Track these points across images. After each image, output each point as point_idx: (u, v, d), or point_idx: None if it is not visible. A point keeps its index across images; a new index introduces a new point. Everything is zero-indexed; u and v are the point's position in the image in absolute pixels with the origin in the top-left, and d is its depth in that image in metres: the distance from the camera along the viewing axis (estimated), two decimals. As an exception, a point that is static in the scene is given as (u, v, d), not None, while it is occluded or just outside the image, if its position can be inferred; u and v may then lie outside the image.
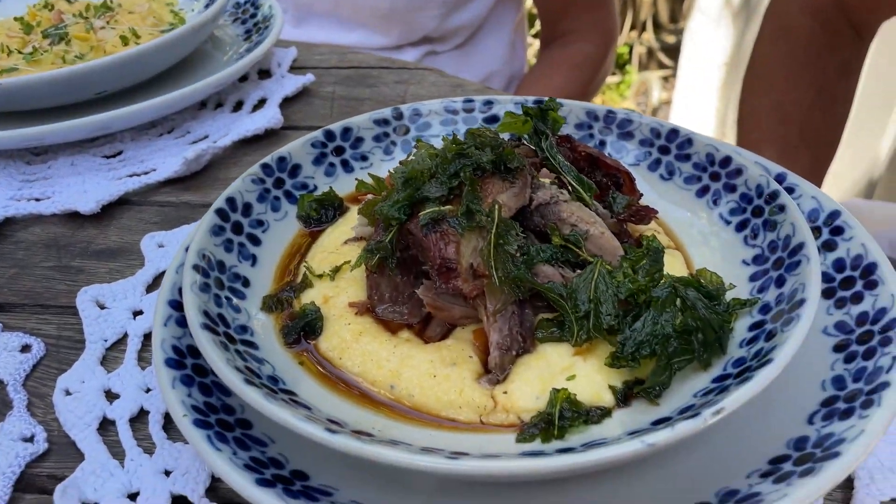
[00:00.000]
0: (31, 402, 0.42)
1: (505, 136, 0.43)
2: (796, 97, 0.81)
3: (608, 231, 0.38)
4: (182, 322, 0.38)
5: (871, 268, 0.38)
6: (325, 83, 0.74)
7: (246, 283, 0.41)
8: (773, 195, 0.41)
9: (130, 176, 0.60)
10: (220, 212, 0.43)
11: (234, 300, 0.39)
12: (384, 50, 1.06)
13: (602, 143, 0.49)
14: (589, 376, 0.35)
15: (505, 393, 0.34)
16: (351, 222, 0.45)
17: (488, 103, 0.52)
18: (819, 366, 0.36)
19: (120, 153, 0.64)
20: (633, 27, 3.44)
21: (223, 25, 0.77)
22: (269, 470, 0.32)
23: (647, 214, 0.42)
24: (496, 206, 0.36)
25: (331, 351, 0.38)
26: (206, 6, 0.75)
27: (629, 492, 0.32)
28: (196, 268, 0.38)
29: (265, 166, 0.47)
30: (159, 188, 0.60)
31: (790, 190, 0.44)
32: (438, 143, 0.51)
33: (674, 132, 0.48)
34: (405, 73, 0.76)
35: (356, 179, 0.48)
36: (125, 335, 0.45)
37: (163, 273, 0.50)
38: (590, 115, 0.50)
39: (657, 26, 3.87)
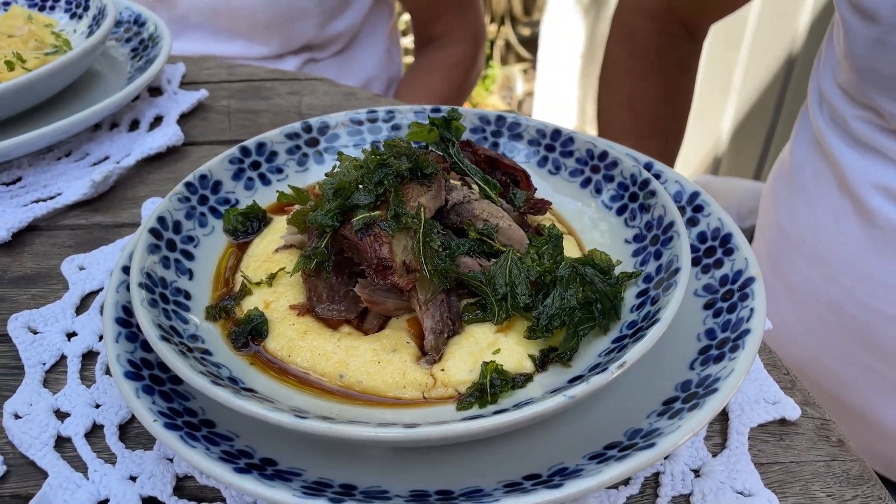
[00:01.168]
0: (-23, 431, 0.42)
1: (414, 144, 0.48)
2: (644, 93, 0.91)
3: (514, 223, 0.44)
4: (131, 337, 0.41)
5: (728, 238, 0.46)
6: (219, 97, 0.76)
7: (187, 296, 0.44)
8: (645, 182, 0.48)
9: (36, 202, 0.60)
10: (153, 231, 0.45)
11: (181, 312, 0.42)
12: (265, 59, 1.07)
13: (496, 145, 0.55)
14: (511, 349, 0.40)
15: (442, 370, 0.39)
16: (277, 232, 0.49)
17: (390, 113, 0.57)
18: (694, 322, 0.43)
19: (20, 179, 0.63)
20: (491, 20, 3.55)
21: (110, 45, 0.77)
22: (242, 460, 0.35)
23: (544, 206, 0.49)
24: (420, 209, 0.41)
25: (279, 350, 0.41)
26: (90, 27, 0.75)
27: (556, 438, 0.38)
28: (142, 285, 0.41)
29: (188, 185, 0.49)
30: (67, 212, 0.60)
31: (657, 176, 0.52)
32: (348, 152, 0.55)
33: (557, 132, 0.54)
34: (297, 84, 0.79)
35: (277, 191, 0.51)
36: (62, 357, 0.47)
37: (89, 295, 0.51)
38: (482, 119, 0.56)
39: (513, 19, 4.02)
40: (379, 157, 0.43)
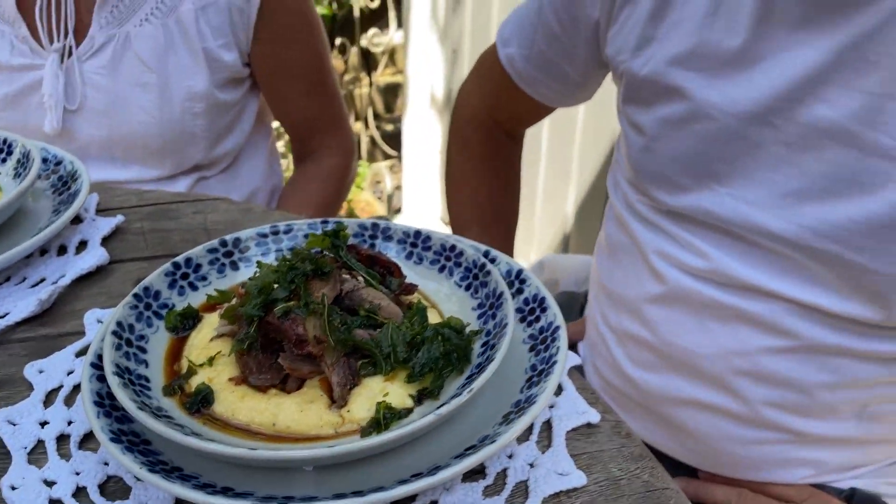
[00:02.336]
0: (-21, 504, 0.53)
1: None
2: (481, 188, 1.14)
3: (391, 303, 0.61)
4: (107, 414, 0.54)
5: (543, 300, 0.65)
6: (134, 220, 0.90)
7: (147, 380, 0.57)
8: (483, 265, 0.67)
9: (-13, 321, 0.71)
10: (115, 333, 0.58)
11: (145, 392, 0.56)
12: (160, 180, 1.21)
13: (373, 245, 0.73)
14: (396, 391, 0.56)
15: (348, 412, 0.55)
16: (208, 325, 0.63)
17: (289, 227, 0.73)
18: (523, 360, 0.61)
19: (-32, 304, 0.74)
20: (356, 118, 3.79)
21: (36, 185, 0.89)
22: (158, 466, 0.49)
23: (412, 289, 0.66)
24: (323, 297, 0.57)
25: (224, 412, 0.55)
26: (16, 170, 0.87)
27: (432, 448, 0.54)
28: (115, 373, 0.54)
29: (136, 295, 0.63)
30: (16, 328, 0.71)
31: (493, 260, 0.71)
32: (257, 260, 0.71)
33: (418, 233, 0.72)
34: (200, 204, 0.94)
35: (206, 294, 0.66)
36: (39, 441, 0.58)
37: (52, 391, 0.63)
38: (361, 227, 0.73)
39: (376, 117, 4.30)
40: (289, 262, 0.59)
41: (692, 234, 0.80)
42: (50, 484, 0.55)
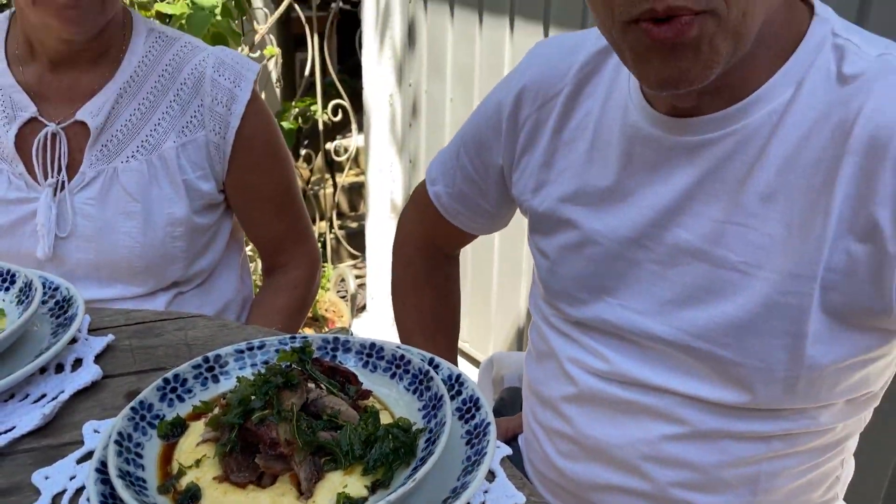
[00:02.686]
0: None
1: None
2: (425, 301, 1.28)
3: (350, 408, 0.74)
4: (111, 512, 0.64)
5: (478, 400, 0.78)
6: (122, 339, 1.01)
7: (143, 481, 0.68)
8: (427, 372, 0.80)
9: (-4, 435, 0.81)
10: (117, 442, 0.70)
11: (143, 491, 0.66)
12: (140, 297, 1.33)
13: (334, 357, 0.86)
14: (354, 483, 0.68)
15: (314, 502, 0.66)
16: (194, 432, 0.74)
17: (262, 344, 0.86)
18: (460, 452, 0.73)
19: (-22, 420, 0.84)
20: (321, 218, 3.93)
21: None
22: None
23: (367, 394, 0.79)
24: (292, 406, 0.70)
25: (210, 506, 0.67)
26: (18, 297, 0.99)
27: (383, 529, 0.66)
28: (118, 476, 0.65)
29: (133, 409, 0.74)
30: (21, 440, 0.82)
31: (437, 366, 0.84)
32: (236, 374, 0.83)
33: (373, 345, 0.86)
34: (181, 321, 1.06)
35: (191, 406, 0.78)
36: (49, 539, 0.68)
37: (57, 495, 0.73)
38: (325, 341, 0.86)
39: (341, 216, 4.46)
40: (263, 377, 0.72)
41: (595, 341, 0.95)
42: (60, 575, 0.64)
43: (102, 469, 0.68)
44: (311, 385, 0.76)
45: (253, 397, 0.70)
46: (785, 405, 0.85)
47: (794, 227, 0.79)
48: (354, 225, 4.34)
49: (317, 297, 3.38)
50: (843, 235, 0.76)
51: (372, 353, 0.86)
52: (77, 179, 1.27)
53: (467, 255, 2.52)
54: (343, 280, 3.53)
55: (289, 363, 0.77)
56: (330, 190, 4.00)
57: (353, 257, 3.86)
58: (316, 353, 0.85)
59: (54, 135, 1.26)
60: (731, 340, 0.83)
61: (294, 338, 0.86)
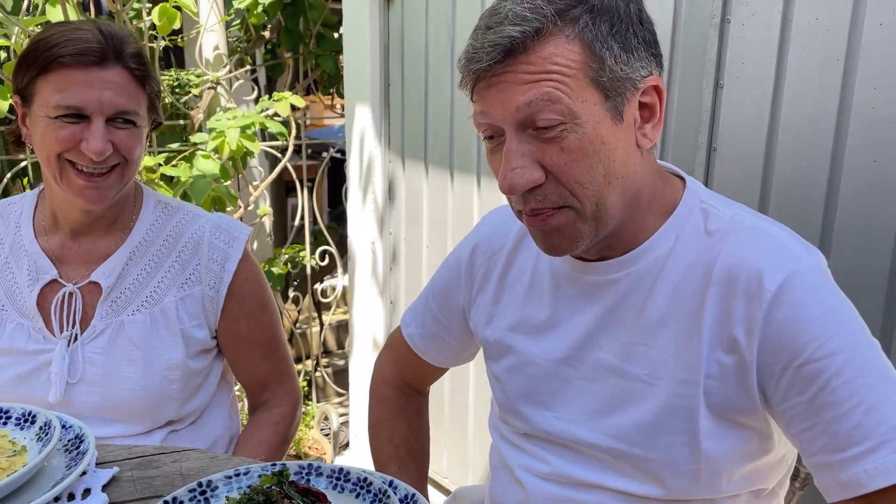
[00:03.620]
0: None
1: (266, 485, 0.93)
2: (398, 433, 1.44)
3: (318, 521, 0.89)
4: None
5: (427, 514, 0.93)
6: (125, 470, 1.16)
7: (146, 586, 0.82)
8: (385, 491, 0.96)
9: (17, 555, 0.95)
10: (124, 554, 0.84)
11: None
12: (139, 435, 1.48)
13: (308, 480, 1.01)
14: (320, 584, 0.83)
15: None
16: (189, 546, 0.89)
17: (248, 470, 1.02)
18: (411, 559, 0.88)
19: (1, 543, 0.98)
20: (307, 357, 4.07)
21: (52, 445, 1.16)
22: None
23: (334, 511, 0.94)
24: (271, 519, 0.85)
25: None
26: (38, 435, 1.14)
27: None
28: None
29: (138, 526, 0.89)
30: (38, 559, 0.95)
31: (395, 487, 0.99)
32: (225, 496, 0.98)
33: (341, 470, 1.01)
34: (176, 454, 1.22)
35: (187, 524, 0.93)
36: None
37: None
38: (301, 468, 1.02)
39: (328, 353, 4.61)
40: (248, 496, 0.88)
41: (540, 448, 1.13)
42: None
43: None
44: (288, 503, 0.92)
45: (239, 513, 0.86)
46: (694, 496, 1.01)
47: (680, 344, 0.98)
48: (341, 362, 4.48)
49: (300, 435, 3.49)
50: (714, 349, 0.96)
51: (340, 476, 1.01)
52: (89, 332, 1.45)
53: (444, 394, 2.68)
54: (327, 418, 3.64)
55: (269, 485, 0.93)
56: (317, 329, 4.18)
57: (339, 395, 3.98)
58: (293, 476, 1.01)
59: (71, 294, 1.46)
60: (643, 439, 1.02)
61: (274, 464, 1.02)
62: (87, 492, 1.10)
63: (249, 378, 1.64)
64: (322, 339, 4.32)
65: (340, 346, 4.90)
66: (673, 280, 0.99)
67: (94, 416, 1.45)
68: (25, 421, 1.18)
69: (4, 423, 1.18)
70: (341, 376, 3.93)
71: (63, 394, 1.42)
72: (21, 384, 1.43)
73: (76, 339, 1.45)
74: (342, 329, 4.75)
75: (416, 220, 2.82)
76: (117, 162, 1.39)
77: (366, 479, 0.99)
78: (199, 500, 0.97)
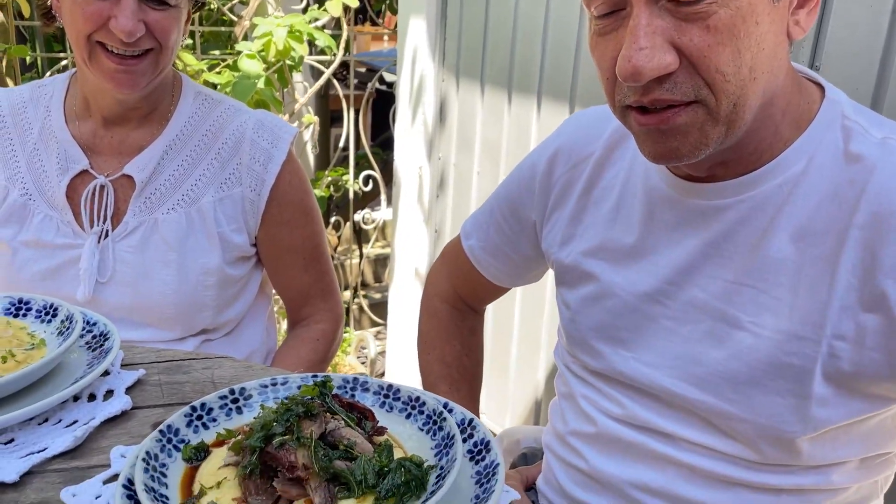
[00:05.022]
0: None
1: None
2: (449, 352, 1.31)
3: (365, 441, 0.77)
4: (134, 525, 0.68)
5: (488, 443, 0.81)
6: (152, 374, 1.06)
7: (167, 498, 0.72)
8: (440, 414, 0.83)
9: (29, 454, 0.86)
10: (144, 460, 0.74)
11: (166, 507, 0.70)
12: (171, 341, 1.38)
13: (353, 395, 0.89)
14: (366, 511, 0.71)
15: (327, 526, 0.69)
16: (217, 457, 0.78)
17: (285, 380, 0.90)
18: (469, 491, 0.76)
19: (13, 440, 0.88)
20: (345, 288, 3.99)
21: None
22: None
23: (382, 430, 0.82)
24: (311, 434, 0.73)
25: (228, 525, 0.70)
26: (59, 330, 1.04)
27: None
28: (145, 491, 0.69)
29: (161, 431, 0.79)
30: (52, 460, 0.86)
31: (451, 410, 0.87)
32: (259, 406, 0.87)
33: (390, 387, 0.89)
34: (208, 361, 1.11)
35: (216, 433, 0.82)
36: (73, 551, 0.71)
37: (83, 511, 0.77)
38: (345, 381, 0.90)
39: (365, 286, 4.52)
40: (286, 405, 0.76)
41: (612, 388, 0.98)
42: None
43: (129, 485, 0.72)
44: (331, 417, 0.80)
45: (275, 423, 0.74)
46: (792, 462, 0.87)
47: (801, 292, 0.83)
48: (378, 296, 4.40)
49: (337, 361, 3.42)
50: (849, 305, 0.80)
51: (389, 393, 0.89)
52: (120, 228, 1.35)
53: (487, 329, 2.56)
54: (364, 347, 3.57)
55: (310, 396, 0.81)
56: (356, 260, 4.09)
57: (375, 325, 3.91)
58: (336, 390, 0.89)
59: (102, 186, 1.35)
60: (737, 396, 0.86)
61: (315, 376, 0.90)
62: (109, 393, 1.00)
63: (290, 291, 1.53)
64: (360, 271, 4.25)
65: (377, 279, 4.82)
66: (801, 213, 0.82)
67: (125, 318, 1.35)
68: (46, 314, 1.08)
69: (24, 315, 1.09)
70: (377, 310, 3.85)
71: (92, 292, 1.32)
72: (48, 280, 1.34)
73: (107, 235, 1.35)
74: (380, 263, 4.66)
75: (467, 144, 2.65)
76: (151, 46, 1.26)
77: (418, 398, 0.87)
78: (230, 409, 0.86)
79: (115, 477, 0.82)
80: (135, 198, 1.35)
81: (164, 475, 0.75)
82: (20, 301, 1.10)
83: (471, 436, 0.83)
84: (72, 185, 1.35)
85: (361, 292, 3.86)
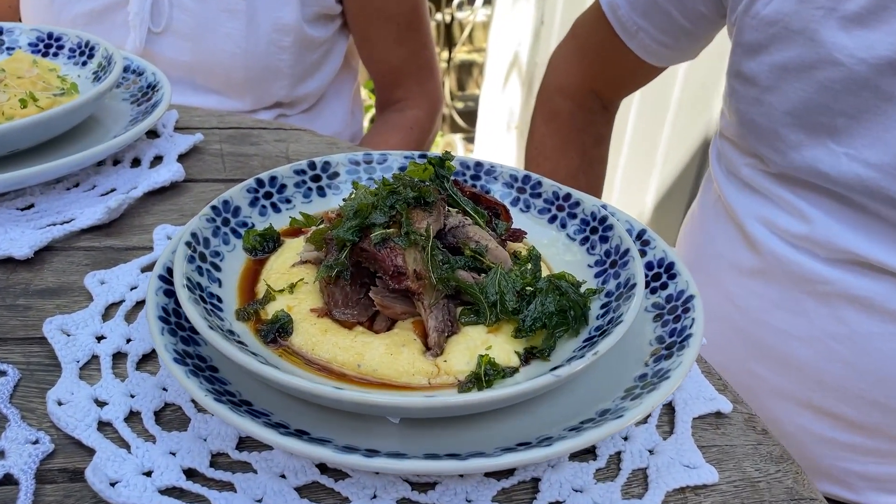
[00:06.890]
0: (23, 416, 0.47)
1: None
2: (566, 164, 1.04)
3: (500, 247, 0.53)
4: (172, 332, 0.47)
5: (671, 265, 0.56)
6: (212, 142, 0.83)
7: (219, 300, 0.50)
8: (604, 218, 0.58)
9: (51, 225, 0.65)
10: (188, 244, 0.52)
11: (216, 312, 0.49)
12: (238, 113, 1.15)
13: (474, 186, 0.64)
14: (501, 346, 0.48)
15: (445, 361, 0.47)
16: (290, 250, 0.56)
17: (384, 156, 0.66)
18: (646, 332, 0.52)
19: (32, 206, 0.68)
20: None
21: (114, 92, 0.83)
22: (225, 397, 0.42)
23: (520, 235, 0.58)
24: (428, 228, 0.49)
25: (304, 346, 0.48)
26: (95, 73, 0.81)
27: (540, 416, 0.46)
28: (185, 286, 0.47)
29: (214, 208, 0.56)
30: (80, 235, 0.66)
31: (612, 214, 0.62)
32: (348, 189, 0.63)
33: (527, 177, 0.64)
34: (282, 132, 0.87)
35: (290, 217, 0.59)
36: (94, 356, 0.52)
37: (111, 305, 0.57)
38: (463, 165, 0.65)
39: (450, 94, 4.20)
40: (390, 186, 0.51)
41: (797, 196, 0.71)
42: (101, 404, 0.48)
43: (167, 278, 0.51)
44: (450, 209, 0.56)
45: (374, 210, 0.50)
46: None
47: None
48: (461, 105, 4.10)
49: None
50: None
51: (525, 187, 0.64)
52: (178, -37, 1.07)
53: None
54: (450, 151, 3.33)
55: (421, 180, 0.57)
56: (443, 65, 3.75)
57: (463, 131, 3.64)
58: (452, 176, 0.64)
59: None
60: None
61: (424, 155, 0.65)
62: (157, 160, 0.78)
63: (381, 65, 1.25)
64: (446, 75, 3.91)
65: (462, 87, 4.48)
66: None
67: (183, 79, 1.11)
68: (82, 53, 0.84)
69: (55, 55, 0.85)
70: (464, 118, 3.56)
71: (144, 43, 1.08)
72: (93, 24, 1.09)
73: (161, -29, 1.07)
74: (465, 70, 4.29)
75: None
76: None
77: (568, 195, 0.62)
78: (308, 187, 0.63)
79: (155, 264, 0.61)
80: (196, -74, 1.06)
81: (217, 267, 0.53)
82: (50, 36, 0.86)
83: (642, 254, 0.58)
84: None
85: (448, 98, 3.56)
